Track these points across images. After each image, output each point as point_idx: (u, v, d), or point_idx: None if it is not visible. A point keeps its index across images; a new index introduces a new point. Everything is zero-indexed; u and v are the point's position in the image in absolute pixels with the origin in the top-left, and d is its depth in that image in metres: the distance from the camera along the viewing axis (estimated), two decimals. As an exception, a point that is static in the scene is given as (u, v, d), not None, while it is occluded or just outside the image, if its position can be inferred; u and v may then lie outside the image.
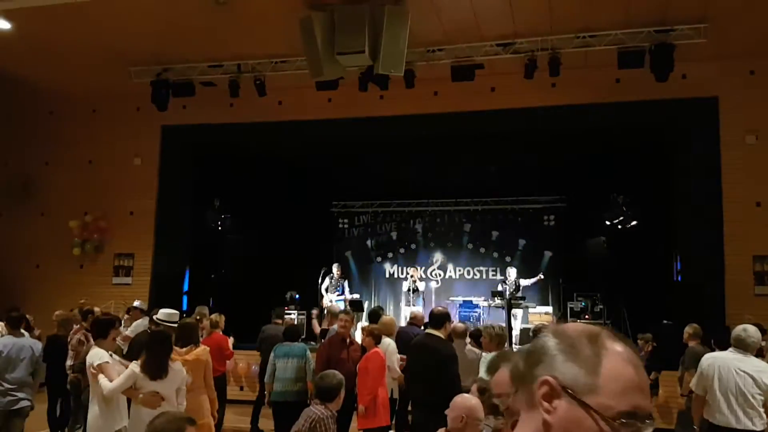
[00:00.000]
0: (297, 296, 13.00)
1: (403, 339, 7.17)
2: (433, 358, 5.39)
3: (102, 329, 5.23)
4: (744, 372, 4.98)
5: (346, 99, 11.94)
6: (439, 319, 5.61)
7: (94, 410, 5.00)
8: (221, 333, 8.26)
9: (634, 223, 11.88)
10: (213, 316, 8.37)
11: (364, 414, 6.11)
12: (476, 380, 4.56)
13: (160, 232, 13.28)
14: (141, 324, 8.41)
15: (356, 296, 13.03)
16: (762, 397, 4.93)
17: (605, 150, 12.33)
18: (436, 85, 11.65)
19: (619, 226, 12.03)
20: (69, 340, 7.41)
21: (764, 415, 4.91)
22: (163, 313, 6.28)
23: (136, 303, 9.85)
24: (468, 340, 6.97)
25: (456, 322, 7.41)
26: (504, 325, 8.49)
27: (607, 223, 12.10)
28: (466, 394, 3.63)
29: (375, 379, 6.13)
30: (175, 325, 6.11)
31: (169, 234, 13.17)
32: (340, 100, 12.09)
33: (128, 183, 13.40)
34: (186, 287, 12.94)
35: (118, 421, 5.03)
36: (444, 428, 3.82)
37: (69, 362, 7.27)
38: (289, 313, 12.27)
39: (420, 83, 11.13)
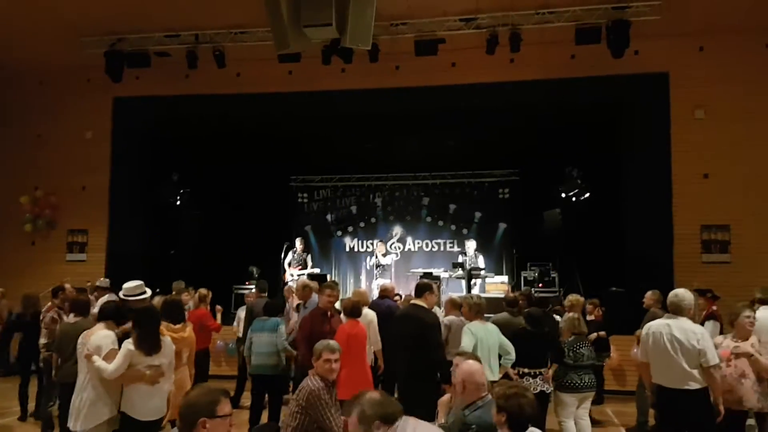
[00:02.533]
0: (257, 271, 12.96)
1: (376, 311, 7.30)
2: (417, 327, 5.54)
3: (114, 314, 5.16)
4: (675, 337, 5.22)
5: (307, 72, 11.87)
6: (421, 289, 5.76)
7: (89, 395, 4.88)
8: (206, 308, 8.26)
9: (587, 195, 12.26)
10: (201, 290, 8.33)
11: None
12: (458, 353, 4.74)
13: (115, 207, 12.98)
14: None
15: (317, 270, 13.07)
16: (689, 358, 5.15)
17: (560, 124, 12.62)
18: (398, 59, 11.72)
19: (574, 198, 12.40)
20: (41, 318, 7.25)
21: (698, 375, 5.14)
22: (127, 288, 5.99)
23: (99, 282, 9.62)
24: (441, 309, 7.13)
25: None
26: (481, 294, 8.71)
27: (563, 195, 12.45)
28: (470, 360, 3.77)
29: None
30: (144, 296, 5.94)
31: (124, 209, 12.89)
32: (300, 73, 12.00)
33: (80, 157, 13.01)
34: (144, 263, 12.70)
35: (114, 407, 4.94)
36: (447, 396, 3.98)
37: (43, 340, 7.12)
38: (249, 288, 12.23)
39: (382, 57, 11.18)
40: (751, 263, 10.62)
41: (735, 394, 5.40)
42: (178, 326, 5.55)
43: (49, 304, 7.47)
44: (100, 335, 4.98)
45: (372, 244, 13.80)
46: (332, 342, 4.39)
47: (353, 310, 6.38)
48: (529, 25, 10.57)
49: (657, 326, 5.43)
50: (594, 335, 8.08)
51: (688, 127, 11.17)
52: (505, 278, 13.40)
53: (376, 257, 12.95)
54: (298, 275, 12.40)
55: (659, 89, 11.33)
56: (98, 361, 4.81)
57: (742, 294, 8.98)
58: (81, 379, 4.99)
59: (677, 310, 5.38)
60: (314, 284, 7.93)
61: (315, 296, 7.44)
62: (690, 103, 11.19)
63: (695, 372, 5.15)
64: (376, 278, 12.61)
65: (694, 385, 5.14)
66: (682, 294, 5.45)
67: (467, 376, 3.76)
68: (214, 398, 2.63)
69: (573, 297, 7.96)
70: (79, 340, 5.13)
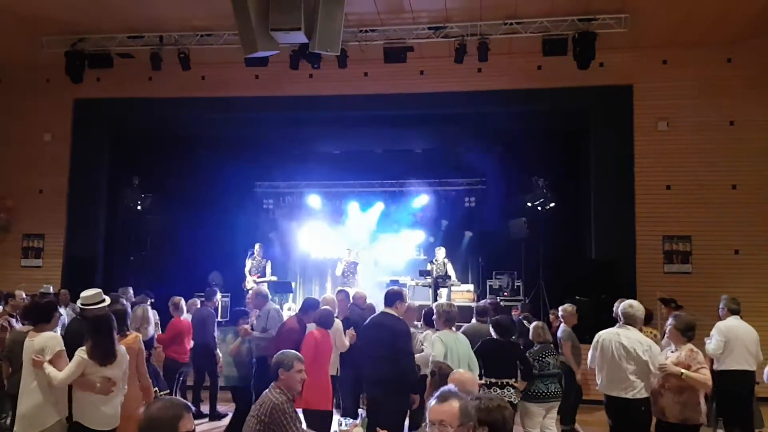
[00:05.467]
0: (220, 278, 12.72)
1: (350, 319, 7.21)
2: (388, 336, 5.45)
3: (45, 313, 4.95)
4: (621, 345, 5.37)
5: (273, 76, 11.77)
6: (392, 298, 5.68)
7: (34, 400, 4.75)
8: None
9: (552, 204, 12.35)
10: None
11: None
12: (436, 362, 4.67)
13: (73, 211, 12.64)
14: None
15: (274, 278, 12.85)
16: (634, 367, 5.29)
17: (527, 134, 12.74)
18: (366, 66, 11.70)
19: (539, 208, 12.47)
20: (-10, 326, 6.95)
21: (638, 385, 5.28)
22: (85, 296, 5.71)
23: (43, 288, 9.27)
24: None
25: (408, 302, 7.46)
26: (452, 302, 8.62)
27: (529, 204, 12.52)
28: (460, 369, 3.71)
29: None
30: (103, 305, 5.65)
31: (82, 214, 12.55)
32: (267, 78, 11.90)
33: (37, 159, 12.69)
34: (102, 270, 12.37)
35: (59, 412, 4.81)
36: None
37: (-10, 349, 6.83)
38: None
39: (350, 63, 11.14)
40: (711, 274, 10.84)
41: (657, 405, 5.37)
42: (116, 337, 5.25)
43: (0, 311, 7.18)
44: (45, 336, 4.84)
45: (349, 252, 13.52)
46: (297, 352, 4.30)
47: (326, 320, 6.28)
48: (497, 35, 10.64)
49: (607, 335, 5.57)
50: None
51: (651, 138, 11.35)
52: (470, 287, 13.38)
53: (346, 264, 12.82)
54: (258, 283, 12.19)
55: (623, 101, 11.50)
56: (49, 368, 4.69)
57: (703, 304, 9.19)
58: (25, 384, 4.84)
59: (630, 321, 5.52)
60: (267, 292, 7.81)
61: (270, 304, 7.29)
62: (653, 115, 11.38)
63: (638, 382, 5.29)
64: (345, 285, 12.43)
65: (634, 394, 5.29)
66: (636, 305, 5.60)
67: (458, 385, 3.69)
68: (177, 413, 2.50)
69: (570, 307, 8.07)
70: (25, 344, 4.95)
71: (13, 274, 12.06)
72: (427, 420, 2.82)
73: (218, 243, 13.45)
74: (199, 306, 9.20)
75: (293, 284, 13.39)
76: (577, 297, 11.12)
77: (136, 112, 12.70)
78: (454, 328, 5.95)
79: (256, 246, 12.90)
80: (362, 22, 10.57)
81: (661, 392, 5.35)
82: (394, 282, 12.25)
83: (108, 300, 5.73)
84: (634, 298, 10.25)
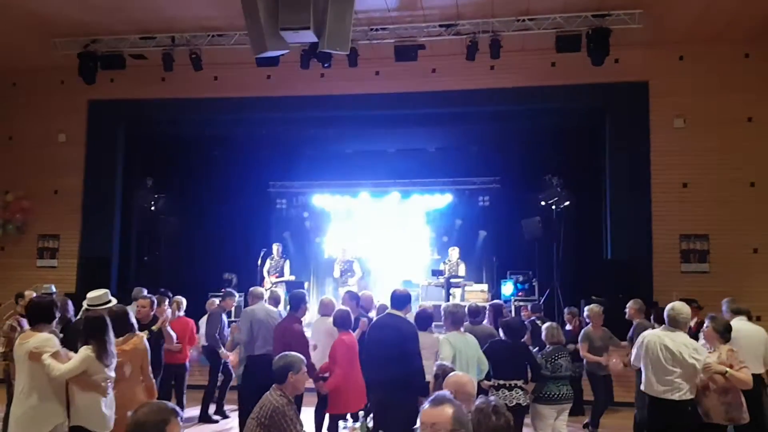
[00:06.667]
0: (234, 278, 12.73)
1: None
2: (395, 337, 5.38)
3: (47, 311, 4.93)
4: (667, 348, 5.28)
5: (285, 76, 11.74)
6: (401, 300, 5.61)
7: (30, 404, 4.65)
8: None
9: (567, 203, 12.20)
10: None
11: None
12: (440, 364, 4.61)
13: (88, 212, 12.69)
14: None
15: (292, 278, 12.85)
16: (680, 370, 5.20)
17: (540, 132, 12.60)
18: (377, 64, 11.63)
19: (554, 207, 12.33)
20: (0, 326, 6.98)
21: (684, 387, 5.18)
22: (90, 297, 5.71)
23: (44, 288, 9.19)
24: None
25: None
26: (459, 302, 8.55)
27: (543, 203, 12.38)
28: (458, 372, 3.66)
29: (334, 365, 6.18)
30: (109, 305, 5.62)
31: (97, 214, 12.60)
32: (279, 77, 11.88)
33: (52, 160, 12.72)
34: (116, 270, 12.44)
35: (58, 415, 4.73)
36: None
37: (0, 349, 6.85)
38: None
39: (362, 62, 11.10)
40: (729, 273, 10.63)
41: (702, 407, 5.31)
42: (119, 339, 5.22)
43: (11, 311, 7.20)
44: (41, 338, 4.76)
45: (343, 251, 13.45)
46: (289, 353, 4.28)
47: (346, 322, 6.27)
48: (509, 32, 10.53)
49: (651, 336, 5.48)
50: (572, 347, 7.94)
51: (667, 136, 11.17)
52: (484, 286, 13.29)
53: (343, 263, 12.77)
54: (275, 283, 12.21)
55: (639, 98, 11.33)
56: (48, 359, 4.59)
57: (720, 303, 8.98)
58: (19, 387, 4.76)
59: (674, 324, 5.40)
60: (261, 291, 7.79)
61: (262, 303, 7.28)
62: (669, 112, 11.19)
63: (684, 384, 5.20)
64: (343, 285, 12.38)
65: (681, 396, 5.20)
66: (679, 307, 5.45)
67: (458, 387, 3.64)
68: (164, 417, 2.46)
69: (596, 308, 7.95)
70: (17, 346, 4.88)
71: (29, 275, 12.12)
72: (419, 422, 2.78)
73: (232, 243, 13.47)
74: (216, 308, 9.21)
75: (306, 284, 13.36)
76: (593, 297, 10.99)
77: (150, 112, 12.74)
78: (462, 329, 5.88)
79: (275, 246, 12.88)
80: (372, 21, 10.51)
81: (706, 393, 5.32)
82: (406, 282, 12.21)
83: (114, 300, 5.73)
84: (651, 298, 10.27)
